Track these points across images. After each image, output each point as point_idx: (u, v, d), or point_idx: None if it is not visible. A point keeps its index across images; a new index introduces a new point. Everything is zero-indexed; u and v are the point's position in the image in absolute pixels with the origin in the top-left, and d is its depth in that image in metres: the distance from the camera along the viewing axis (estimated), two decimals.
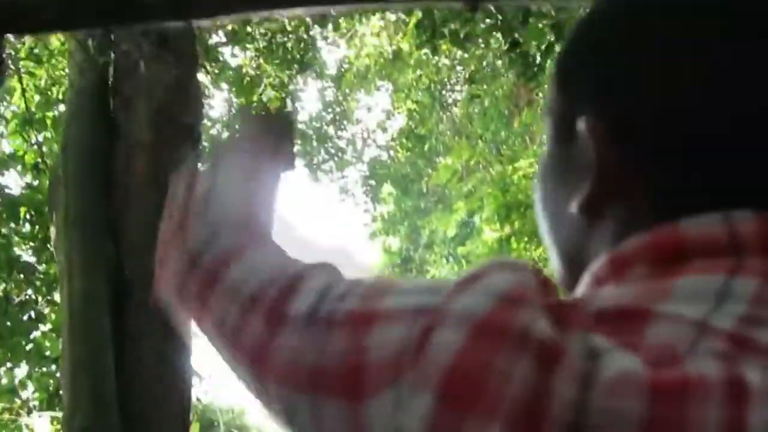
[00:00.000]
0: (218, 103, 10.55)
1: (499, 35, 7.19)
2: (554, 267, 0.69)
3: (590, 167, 0.61)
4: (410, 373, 0.49)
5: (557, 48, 6.71)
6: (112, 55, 4.99)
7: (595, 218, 0.63)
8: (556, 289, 0.53)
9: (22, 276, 7.63)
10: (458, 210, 12.49)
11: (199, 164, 0.97)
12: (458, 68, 15.46)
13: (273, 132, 0.98)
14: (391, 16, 14.23)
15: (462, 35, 7.58)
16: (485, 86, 13.75)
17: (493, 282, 0.51)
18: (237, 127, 1.06)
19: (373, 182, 17.74)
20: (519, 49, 6.77)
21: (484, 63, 16.56)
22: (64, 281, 4.38)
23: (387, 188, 17.35)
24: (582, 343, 0.47)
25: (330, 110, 18.62)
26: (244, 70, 9.46)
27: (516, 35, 6.80)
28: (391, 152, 18.09)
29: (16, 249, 7.75)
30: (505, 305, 0.49)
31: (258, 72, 9.30)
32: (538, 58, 6.72)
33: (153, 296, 0.86)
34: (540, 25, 6.80)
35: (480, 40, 7.66)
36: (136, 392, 4.22)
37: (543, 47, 6.61)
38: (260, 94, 9.27)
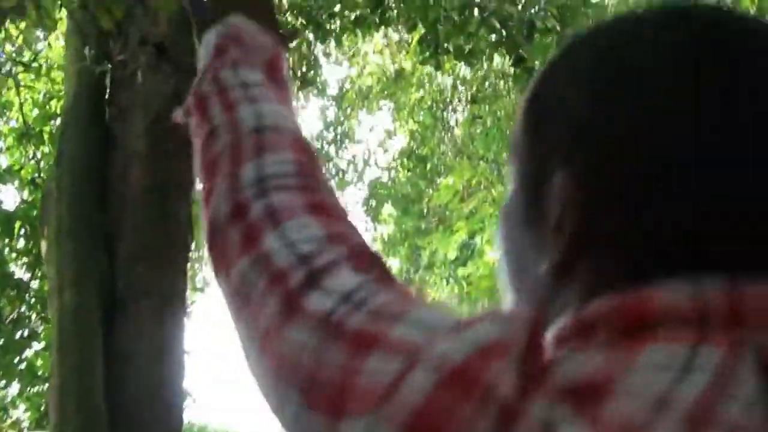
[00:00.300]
0: None
1: (503, 51, 7.06)
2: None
3: (561, 229, 0.62)
4: (384, 406, 0.50)
5: None
6: (109, 65, 4.87)
7: (560, 279, 0.63)
8: (541, 346, 0.53)
9: (15, 292, 7.48)
10: (459, 231, 12.35)
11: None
12: (460, 88, 15.36)
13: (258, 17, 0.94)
14: (394, 35, 14.18)
15: (466, 51, 7.48)
16: (487, 106, 13.67)
17: (478, 331, 0.52)
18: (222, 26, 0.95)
19: (373, 202, 17.62)
20: (523, 65, 6.65)
21: (487, 83, 16.51)
22: (55, 295, 4.23)
23: (387, 209, 17.21)
24: (543, 410, 0.48)
25: (331, 130, 18.55)
26: None
27: (521, 51, 6.68)
28: (392, 173, 18.00)
29: (10, 265, 7.62)
30: (479, 357, 0.50)
31: None
32: None
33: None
34: (545, 41, 6.69)
35: (484, 57, 7.50)
36: (127, 414, 4.06)
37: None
38: None
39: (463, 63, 12.28)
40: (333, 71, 17.11)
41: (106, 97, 4.84)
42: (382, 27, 10.92)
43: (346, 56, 13.16)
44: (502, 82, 16.31)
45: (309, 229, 0.70)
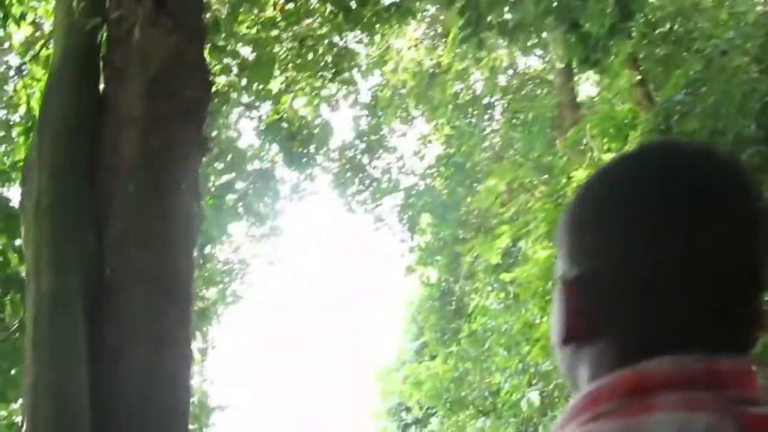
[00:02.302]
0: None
1: (553, 20, 6.31)
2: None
3: (562, 310, 0.85)
4: None
5: (620, 28, 5.84)
6: (101, 20, 4.21)
7: (577, 352, 0.84)
8: None
9: (20, 296, 6.82)
10: (502, 235, 11.55)
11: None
12: (498, 87, 14.66)
13: None
14: (430, 30, 13.51)
15: (510, 24, 6.75)
16: (527, 103, 12.93)
17: None
18: None
19: (409, 212, 16.87)
20: (578, 31, 5.89)
21: (524, 89, 15.78)
22: (31, 280, 3.55)
23: (425, 218, 16.45)
24: None
25: (364, 139, 17.87)
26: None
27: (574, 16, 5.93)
28: (428, 180, 17.27)
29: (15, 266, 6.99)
30: None
31: (287, 78, 8.47)
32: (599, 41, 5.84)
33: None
34: (600, 5, 5.94)
35: (531, 28, 6.76)
36: (117, 418, 3.35)
37: (605, 27, 5.74)
38: (291, 101, 8.47)
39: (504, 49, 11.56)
40: (367, 64, 16.42)
41: (99, 56, 4.17)
42: (417, 16, 10.24)
43: (379, 50, 12.39)
44: (539, 88, 15.58)
45: None
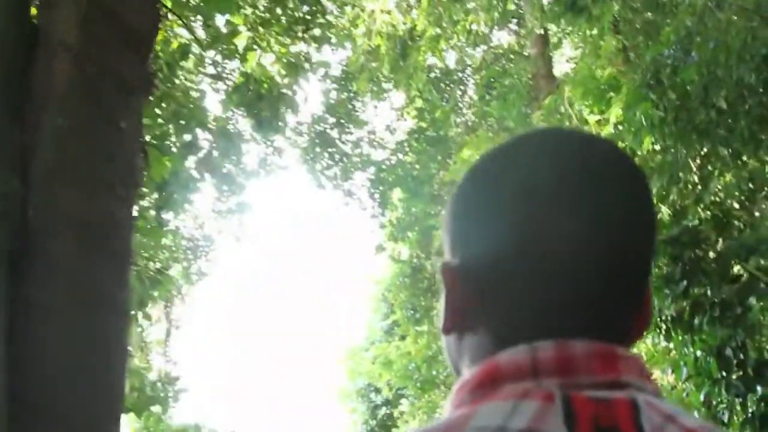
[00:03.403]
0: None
1: None
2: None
3: (446, 302, 0.83)
4: None
5: None
6: None
7: (459, 340, 0.84)
8: None
9: None
10: None
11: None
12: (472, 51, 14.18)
13: None
14: None
15: None
16: (502, 72, 12.47)
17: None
18: None
19: (381, 187, 16.39)
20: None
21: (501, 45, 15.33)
22: None
23: (396, 193, 15.98)
24: None
25: (335, 112, 17.36)
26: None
27: None
28: (399, 155, 16.77)
29: None
30: None
31: (255, 35, 7.92)
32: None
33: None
34: None
35: None
36: (42, 391, 2.84)
37: None
38: (258, 59, 7.91)
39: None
40: (335, 53, 15.86)
41: None
42: None
43: (353, 12, 11.84)
44: (513, 63, 15.13)
45: None
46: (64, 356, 2.96)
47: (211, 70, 9.93)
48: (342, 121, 17.41)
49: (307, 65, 8.67)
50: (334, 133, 17.53)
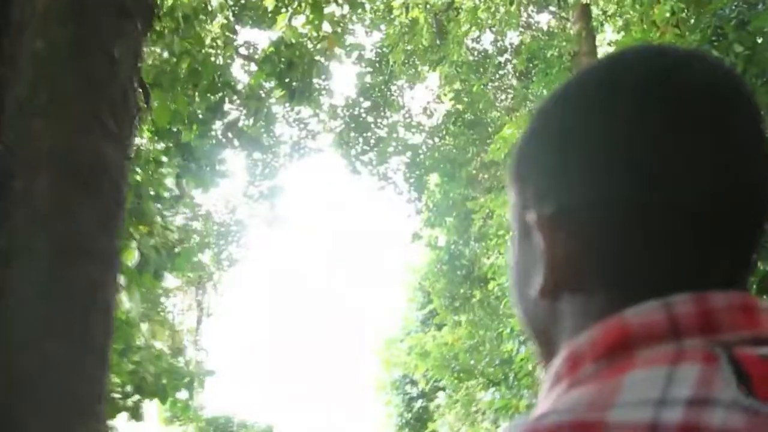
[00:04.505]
0: None
1: None
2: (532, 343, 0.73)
3: (542, 256, 0.67)
4: None
5: None
6: None
7: (555, 302, 0.68)
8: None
9: None
10: None
11: None
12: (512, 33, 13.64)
13: None
14: None
15: None
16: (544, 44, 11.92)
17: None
18: None
19: (417, 171, 15.89)
20: None
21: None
22: None
23: (433, 178, 15.47)
24: None
25: (370, 96, 16.91)
26: None
27: None
28: (436, 139, 16.25)
29: None
30: None
31: None
32: None
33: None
34: None
35: None
36: (8, 356, 2.39)
37: None
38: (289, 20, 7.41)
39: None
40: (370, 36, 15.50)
41: None
42: None
43: None
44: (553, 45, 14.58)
45: None
46: (34, 309, 2.51)
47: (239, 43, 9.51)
48: (378, 103, 16.99)
49: (339, 30, 8.20)
50: (369, 118, 17.11)
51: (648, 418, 0.53)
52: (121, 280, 5.19)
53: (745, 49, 5.18)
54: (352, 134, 17.16)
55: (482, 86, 15.22)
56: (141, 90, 3.20)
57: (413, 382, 18.93)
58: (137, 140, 6.54)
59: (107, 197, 2.76)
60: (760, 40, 5.13)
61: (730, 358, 0.57)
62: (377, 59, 16.50)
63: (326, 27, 7.70)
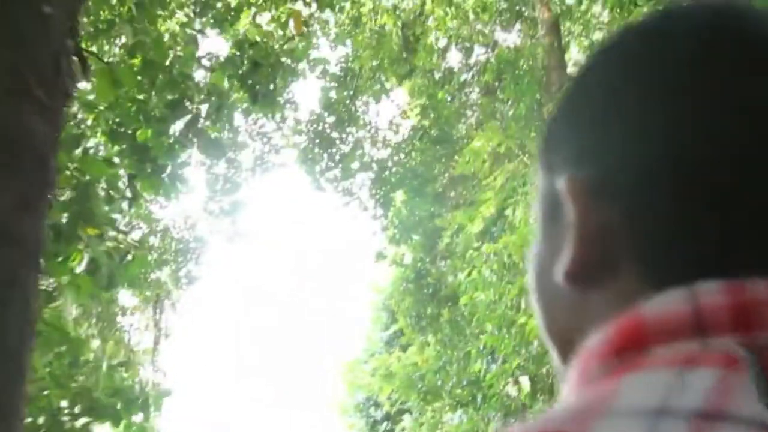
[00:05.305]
0: None
1: None
2: (551, 353, 0.63)
3: (571, 228, 0.57)
4: None
5: None
6: None
7: (583, 291, 0.57)
8: None
9: None
10: (487, 201, 10.21)
11: None
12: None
13: None
14: None
15: None
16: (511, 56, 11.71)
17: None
18: None
19: (383, 187, 15.56)
20: None
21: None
22: None
23: (399, 195, 15.17)
24: None
25: (334, 111, 16.58)
26: None
27: None
28: (401, 155, 15.95)
29: None
30: None
31: None
32: None
33: None
34: None
35: None
36: None
37: None
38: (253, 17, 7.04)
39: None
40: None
41: None
42: None
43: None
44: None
45: None
46: None
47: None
48: (343, 118, 16.68)
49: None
50: (334, 133, 16.78)
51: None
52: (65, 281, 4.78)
53: None
54: (317, 150, 16.82)
55: (448, 100, 15.01)
56: (78, 59, 2.78)
57: (377, 405, 18.59)
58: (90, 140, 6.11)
59: (29, 174, 2.34)
60: None
61: (759, 364, 0.46)
62: (342, 74, 16.22)
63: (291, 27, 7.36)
